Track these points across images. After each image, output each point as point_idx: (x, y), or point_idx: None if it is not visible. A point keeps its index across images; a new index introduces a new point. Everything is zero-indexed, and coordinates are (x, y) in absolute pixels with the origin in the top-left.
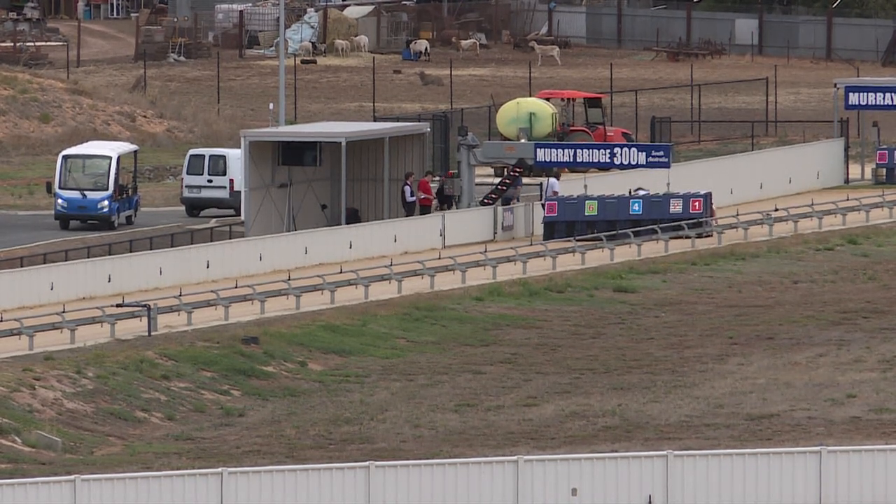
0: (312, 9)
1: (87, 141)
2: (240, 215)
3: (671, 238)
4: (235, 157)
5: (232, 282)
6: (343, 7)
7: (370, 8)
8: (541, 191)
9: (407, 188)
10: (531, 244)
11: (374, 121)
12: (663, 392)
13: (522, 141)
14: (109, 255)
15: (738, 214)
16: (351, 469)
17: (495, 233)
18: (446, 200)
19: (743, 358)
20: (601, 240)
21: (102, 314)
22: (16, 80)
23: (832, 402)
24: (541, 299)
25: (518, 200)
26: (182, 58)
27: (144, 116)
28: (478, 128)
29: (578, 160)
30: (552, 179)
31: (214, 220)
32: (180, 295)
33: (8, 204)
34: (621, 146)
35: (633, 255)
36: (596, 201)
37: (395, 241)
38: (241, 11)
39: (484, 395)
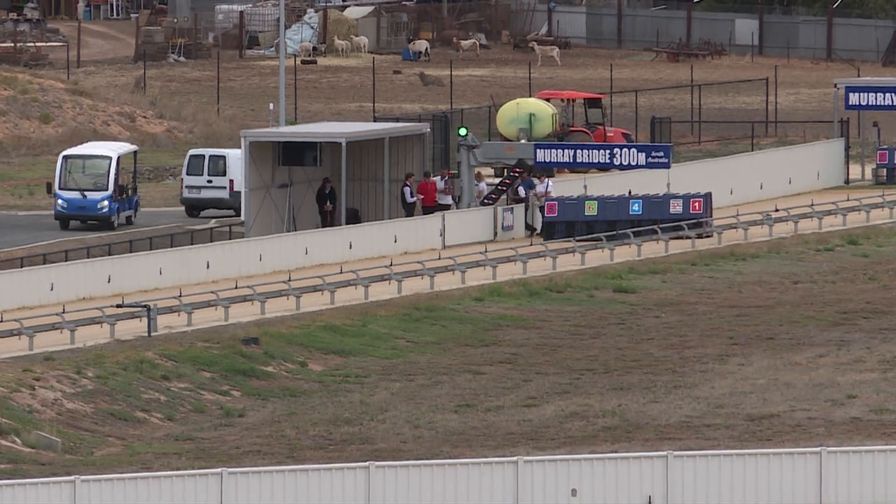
0: (312, 9)
1: (87, 141)
2: (240, 216)
3: (671, 238)
4: (235, 158)
5: (232, 282)
6: (343, 7)
7: (370, 8)
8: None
9: (407, 189)
10: (531, 244)
11: (374, 121)
12: (663, 392)
13: (522, 141)
14: (109, 255)
15: (738, 215)
16: (351, 469)
17: (495, 233)
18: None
19: (743, 358)
20: (601, 240)
21: (102, 314)
22: (16, 81)
23: (832, 402)
24: (541, 299)
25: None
26: (182, 58)
27: (144, 117)
28: (478, 128)
29: (578, 160)
30: (548, 181)
31: (214, 220)
32: (180, 295)
33: (8, 204)
34: (621, 147)
35: (633, 256)
36: (596, 201)
37: (395, 241)
38: (241, 12)
39: (484, 396)
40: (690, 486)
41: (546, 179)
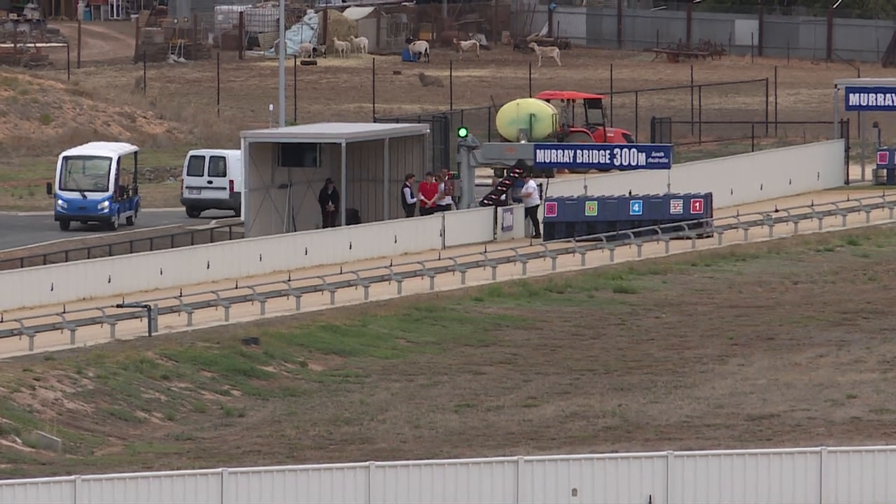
0: (312, 10)
1: (87, 142)
2: (240, 216)
3: (671, 239)
4: (235, 158)
5: (232, 282)
6: (343, 8)
7: (370, 9)
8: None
9: (407, 189)
10: (531, 245)
11: (374, 122)
12: (664, 392)
13: (522, 142)
14: (110, 255)
15: (738, 215)
16: (351, 469)
17: (495, 233)
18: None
19: (743, 358)
20: (601, 240)
21: (103, 315)
22: (16, 81)
23: (832, 402)
24: (541, 300)
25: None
26: (182, 59)
27: (144, 117)
28: (478, 129)
29: (578, 161)
30: (530, 181)
31: (214, 220)
32: (181, 295)
33: (8, 205)
34: (621, 147)
35: (633, 256)
36: (596, 202)
37: (395, 241)
38: (240, 13)
39: (484, 396)
40: (691, 485)
41: (529, 180)
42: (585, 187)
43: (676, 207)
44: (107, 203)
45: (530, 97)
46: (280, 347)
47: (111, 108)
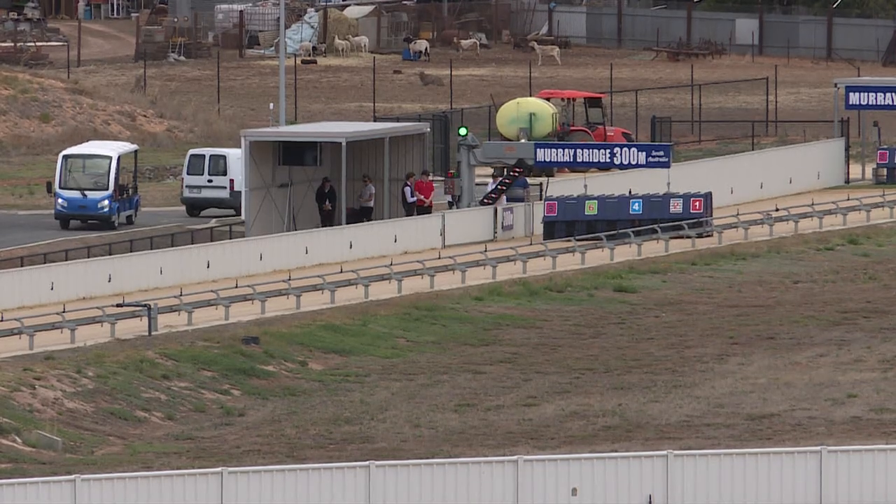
0: (312, 9)
1: (87, 140)
2: (240, 215)
3: (671, 238)
4: (236, 157)
5: (232, 281)
6: (343, 7)
7: (370, 8)
8: (541, 191)
9: (407, 189)
10: (531, 244)
11: (375, 121)
12: (663, 392)
13: (522, 141)
14: (109, 254)
15: (738, 214)
16: (351, 469)
17: (495, 232)
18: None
19: (743, 358)
20: (601, 239)
21: (103, 314)
22: (16, 80)
23: (832, 401)
24: (541, 299)
25: (525, 200)
26: (182, 58)
27: (144, 116)
28: (478, 128)
29: (578, 160)
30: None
31: (215, 219)
32: (181, 295)
33: (8, 203)
34: (621, 146)
35: (633, 255)
36: (596, 201)
37: (396, 240)
38: (241, 11)
39: (484, 395)
40: (690, 485)
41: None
42: (585, 186)
43: (676, 206)
44: (107, 202)
45: (530, 96)
46: (280, 347)
47: (111, 106)
